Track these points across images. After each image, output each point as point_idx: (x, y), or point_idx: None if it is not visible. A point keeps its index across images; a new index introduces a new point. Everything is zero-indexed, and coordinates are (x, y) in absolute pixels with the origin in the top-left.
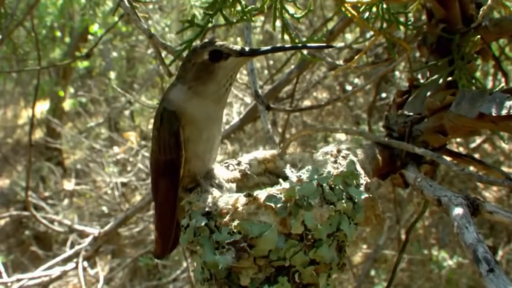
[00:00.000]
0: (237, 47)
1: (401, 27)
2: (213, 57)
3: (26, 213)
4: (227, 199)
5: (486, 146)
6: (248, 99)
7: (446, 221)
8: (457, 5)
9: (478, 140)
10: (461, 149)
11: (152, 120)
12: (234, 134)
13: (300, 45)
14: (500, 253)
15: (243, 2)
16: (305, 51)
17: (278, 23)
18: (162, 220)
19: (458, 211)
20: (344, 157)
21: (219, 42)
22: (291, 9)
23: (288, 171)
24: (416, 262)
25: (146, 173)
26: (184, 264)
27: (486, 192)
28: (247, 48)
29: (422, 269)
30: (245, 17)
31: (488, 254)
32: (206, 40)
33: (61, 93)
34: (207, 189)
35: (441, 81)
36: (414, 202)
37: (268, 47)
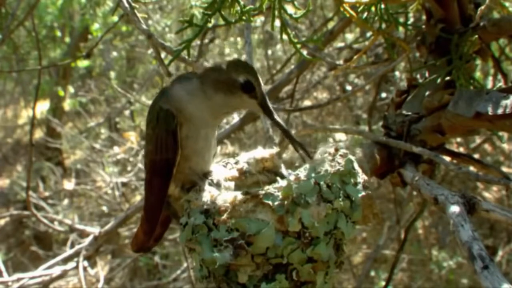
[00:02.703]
0: (265, 99)
1: (401, 27)
2: (245, 86)
3: (26, 212)
4: (225, 197)
5: (486, 146)
6: None
7: (446, 221)
8: (455, 5)
9: (478, 140)
10: (461, 149)
11: None
12: (234, 134)
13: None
14: (500, 253)
15: (242, 2)
16: (304, 52)
17: (277, 23)
18: (150, 215)
19: (454, 209)
20: (342, 156)
21: (260, 80)
22: (290, 9)
23: (284, 170)
24: (416, 262)
25: None
26: (184, 264)
27: (486, 192)
28: (271, 106)
29: (422, 269)
30: (244, 17)
31: (483, 252)
32: (250, 66)
33: (61, 93)
34: (205, 188)
35: (439, 80)
36: (414, 202)
37: (285, 127)
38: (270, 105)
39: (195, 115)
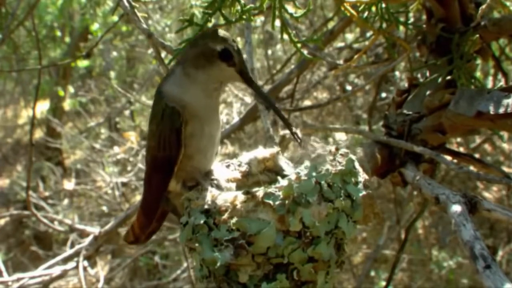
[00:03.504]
0: (246, 65)
1: (401, 27)
2: (222, 54)
3: (26, 212)
4: (226, 196)
5: (486, 146)
6: (248, 99)
7: (446, 221)
8: (456, 5)
9: (478, 140)
10: (461, 149)
11: None
12: (234, 134)
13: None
14: (500, 253)
15: (243, 2)
16: (305, 51)
17: (277, 22)
18: (147, 210)
19: (456, 208)
20: (343, 155)
21: (237, 46)
22: (290, 8)
23: (284, 164)
24: (416, 262)
25: None
26: (184, 264)
27: (486, 192)
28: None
29: (422, 269)
30: (244, 17)
31: (485, 251)
32: (228, 35)
33: (61, 93)
34: (206, 188)
35: (440, 80)
36: (414, 202)
37: (264, 93)
38: (250, 73)
39: (194, 106)
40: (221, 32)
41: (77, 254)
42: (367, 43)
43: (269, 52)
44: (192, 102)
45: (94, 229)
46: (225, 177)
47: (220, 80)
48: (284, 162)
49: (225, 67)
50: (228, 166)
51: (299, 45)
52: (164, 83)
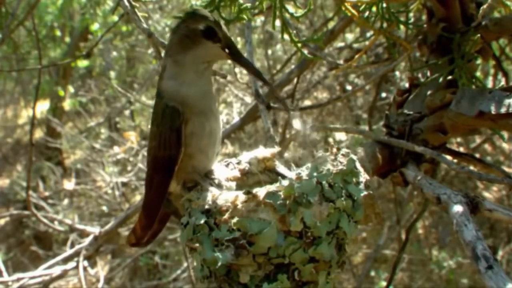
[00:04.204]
0: (231, 39)
1: (402, 27)
2: (206, 32)
3: (26, 212)
4: (227, 196)
5: (487, 146)
6: (248, 99)
7: (446, 221)
8: (457, 4)
9: (478, 140)
10: (461, 149)
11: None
12: (234, 134)
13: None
14: (500, 253)
15: (241, 1)
16: (305, 51)
17: (278, 22)
18: (148, 212)
19: (457, 208)
20: (344, 155)
21: (221, 24)
22: (291, 8)
23: (283, 168)
24: (416, 262)
25: None
26: (185, 264)
27: (487, 192)
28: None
29: (422, 269)
30: (242, 15)
31: (487, 252)
32: (208, 13)
33: (61, 93)
34: (206, 188)
35: (441, 80)
36: (414, 202)
37: (249, 62)
38: (237, 47)
39: (191, 95)
40: (201, 11)
41: (77, 254)
42: (367, 43)
43: (269, 52)
44: (189, 92)
45: (94, 229)
46: (224, 176)
47: (207, 60)
48: (282, 168)
49: (210, 44)
50: (227, 165)
51: (299, 44)
52: (160, 82)
